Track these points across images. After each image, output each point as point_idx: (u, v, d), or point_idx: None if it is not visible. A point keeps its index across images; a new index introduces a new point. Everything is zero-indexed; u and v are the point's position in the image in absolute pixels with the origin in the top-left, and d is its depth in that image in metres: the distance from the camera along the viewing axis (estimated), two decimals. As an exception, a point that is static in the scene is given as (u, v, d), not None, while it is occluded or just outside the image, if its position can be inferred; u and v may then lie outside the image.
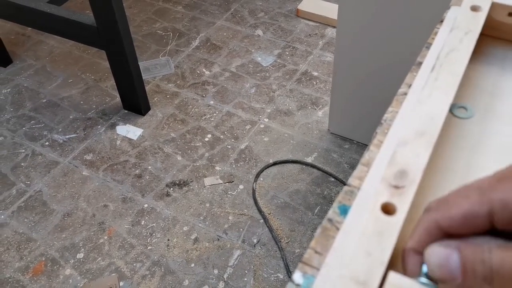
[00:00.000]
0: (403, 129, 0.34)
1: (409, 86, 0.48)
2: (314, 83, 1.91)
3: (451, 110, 0.40)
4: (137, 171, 1.61)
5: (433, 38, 0.53)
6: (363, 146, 1.67)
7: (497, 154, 0.38)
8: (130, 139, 1.71)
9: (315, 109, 1.81)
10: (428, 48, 0.52)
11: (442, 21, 0.55)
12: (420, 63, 0.50)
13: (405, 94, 0.47)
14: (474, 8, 0.42)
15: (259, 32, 2.15)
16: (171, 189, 1.55)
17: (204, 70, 1.98)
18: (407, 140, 0.33)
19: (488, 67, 0.43)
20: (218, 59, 2.03)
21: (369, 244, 0.27)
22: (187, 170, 1.61)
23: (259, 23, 2.20)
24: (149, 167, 1.62)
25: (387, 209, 0.29)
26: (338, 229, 0.34)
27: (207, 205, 1.51)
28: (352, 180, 0.42)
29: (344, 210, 0.37)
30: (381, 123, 0.45)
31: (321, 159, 1.64)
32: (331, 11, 2.15)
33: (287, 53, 2.04)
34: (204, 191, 1.55)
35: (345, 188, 0.42)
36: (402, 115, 0.41)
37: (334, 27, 2.14)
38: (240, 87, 1.90)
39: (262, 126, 1.75)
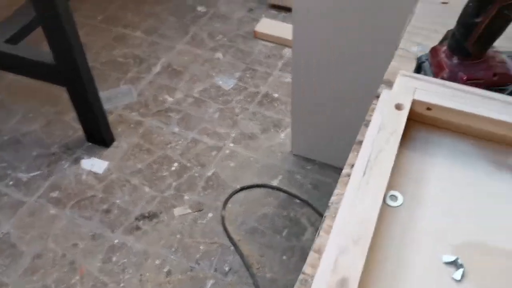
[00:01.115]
0: (343, 235, 0.39)
1: (352, 166, 0.53)
2: (276, 104, 1.96)
3: (383, 200, 0.46)
4: (105, 206, 1.62)
5: (370, 115, 0.58)
6: (325, 166, 1.73)
7: (423, 241, 0.43)
8: (95, 173, 1.72)
9: (278, 131, 1.86)
10: (366, 126, 0.57)
11: (378, 97, 0.60)
12: (360, 142, 0.55)
13: (348, 175, 0.52)
14: (398, 107, 0.48)
15: (219, 55, 2.18)
16: (141, 222, 1.57)
17: (167, 96, 2.00)
18: (346, 247, 0.38)
19: (413, 153, 0.49)
20: (180, 84, 2.05)
21: None
22: (156, 202, 1.63)
23: (219, 46, 2.23)
24: (117, 201, 1.63)
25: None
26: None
27: (178, 236, 1.53)
28: (305, 268, 0.47)
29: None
30: (328, 206, 0.50)
31: (286, 181, 1.69)
32: (288, 32, 2.20)
33: (247, 75, 2.09)
34: (174, 221, 1.57)
35: (300, 276, 0.46)
36: (347, 202, 0.46)
37: (291, 47, 2.20)
38: (203, 112, 1.93)
39: (227, 151, 1.79)
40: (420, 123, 0.50)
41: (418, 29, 0.70)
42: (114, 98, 1.98)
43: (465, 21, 0.50)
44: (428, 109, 0.49)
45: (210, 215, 1.59)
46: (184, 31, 2.32)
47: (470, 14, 0.49)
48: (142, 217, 1.59)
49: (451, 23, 0.71)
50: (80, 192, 1.66)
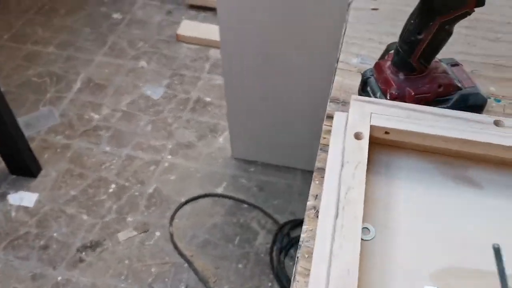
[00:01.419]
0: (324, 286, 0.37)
1: (315, 197, 0.51)
2: (209, 109, 1.92)
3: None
4: (41, 242, 1.50)
5: (325, 138, 0.57)
6: (267, 166, 1.72)
7: (401, 273, 0.42)
8: (26, 207, 1.58)
9: (215, 136, 1.82)
10: (323, 150, 0.55)
11: (329, 117, 0.59)
12: (320, 169, 0.54)
13: (314, 208, 0.50)
14: (357, 136, 0.46)
15: (142, 63, 2.09)
16: (83, 253, 1.48)
17: (92, 114, 1.88)
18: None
19: (377, 177, 0.48)
20: (105, 99, 1.94)
21: None
22: (97, 229, 1.54)
23: (141, 53, 2.14)
24: (54, 234, 1.52)
25: None
26: None
27: (126, 262, 1.46)
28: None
29: None
30: (300, 245, 0.48)
31: (231, 187, 1.66)
32: (211, 33, 2.16)
33: (175, 81, 2.02)
34: (120, 247, 1.49)
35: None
36: (321, 249, 0.44)
37: (217, 48, 2.16)
38: (135, 126, 1.85)
39: (166, 164, 1.72)
40: (380, 145, 0.50)
41: (353, 39, 0.70)
42: (35, 123, 1.83)
43: (408, 38, 0.49)
44: (386, 132, 0.48)
45: (157, 234, 1.53)
46: (102, 41, 2.20)
47: (413, 31, 0.49)
48: (84, 247, 1.49)
49: (383, 30, 0.72)
50: (12, 230, 1.52)
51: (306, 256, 0.46)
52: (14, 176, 1.67)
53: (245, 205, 1.61)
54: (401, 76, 0.53)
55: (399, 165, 0.49)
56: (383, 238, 0.45)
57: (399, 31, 0.52)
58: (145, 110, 1.90)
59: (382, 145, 0.50)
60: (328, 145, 0.55)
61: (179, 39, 2.19)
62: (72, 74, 2.04)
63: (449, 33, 0.49)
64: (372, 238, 0.44)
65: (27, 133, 1.77)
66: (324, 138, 0.57)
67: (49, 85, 1.99)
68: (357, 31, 0.71)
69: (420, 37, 0.48)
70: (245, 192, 1.65)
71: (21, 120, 1.81)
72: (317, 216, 0.49)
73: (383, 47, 0.67)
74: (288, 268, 1.45)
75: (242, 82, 1.49)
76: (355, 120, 0.48)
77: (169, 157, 1.75)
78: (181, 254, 1.48)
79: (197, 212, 1.59)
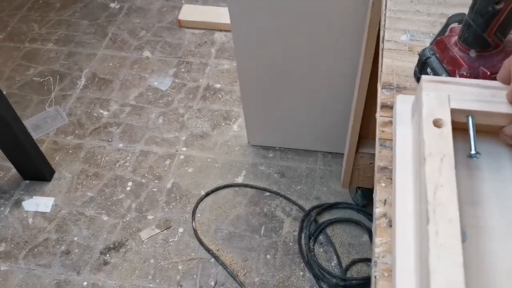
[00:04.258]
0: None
1: (384, 202, 0.45)
2: (220, 96, 1.85)
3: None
4: (62, 247, 1.46)
5: (383, 131, 0.51)
6: (286, 151, 1.66)
7: (502, 275, 0.37)
8: (43, 212, 1.54)
9: (229, 124, 1.76)
10: (383, 146, 0.49)
11: (383, 106, 0.52)
12: (384, 168, 0.47)
13: (385, 215, 0.44)
14: (437, 123, 0.40)
15: (146, 53, 2.02)
16: (107, 255, 1.43)
17: (101, 111, 1.82)
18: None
19: (458, 170, 0.42)
20: (112, 94, 1.87)
21: None
22: (118, 229, 1.49)
23: (144, 43, 2.06)
24: (75, 238, 1.47)
25: None
26: None
27: (152, 261, 1.42)
28: None
29: None
30: (375, 261, 0.42)
31: (251, 176, 1.61)
32: (214, 15, 2.08)
33: (182, 70, 1.95)
34: (144, 246, 1.45)
35: None
36: (403, 256, 0.38)
37: (221, 30, 2.08)
38: (145, 120, 1.78)
39: (182, 157, 1.67)
40: (459, 131, 0.43)
41: (397, 13, 0.63)
42: (42, 125, 1.77)
43: (483, 10, 0.43)
44: (467, 116, 0.42)
45: (180, 230, 1.49)
46: (102, 34, 2.12)
47: (489, 1, 0.42)
48: (108, 249, 1.45)
49: (429, 0, 0.64)
50: (31, 238, 1.48)
51: (386, 274, 0.40)
52: (27, 182, 1.62)
53: (268, 193, 1.56)
54: (472, 53, 0.46)
55: (483, 153, 0.43)
56: (475, 240, 0.39)
57: None
58: (154, 102, 1.84)
59: (461, 130, 0.43)
60: (389, 140, 0.49)
61: (181, 24, 2.11)
62: (75, 70, 1.97)
63: (531, 0, 0.42)
64: (464, 242, 0.39)
65: (35, 135, 1.72)
66: (383, 131, 0.50)
67: (53, 84, 1.92)
68: (399, 2, 0.64)
69: (498, 7, 0.42)
70: (266, 179, 1.60)
71: (28, 123, 1.75)
72: (390, 226, 0.43)
73: (433, 20, 0.60)
74: (318, 255, 1.41)
75: (256, 65, 1.41)
76: (431, 105, 0.41)
77: (184, 149, 1.69)
78: (207, 249, 1.43)
79: (219, 204, 1.54)
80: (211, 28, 2.10)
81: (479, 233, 0.40)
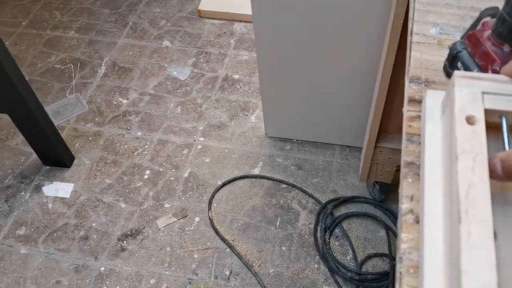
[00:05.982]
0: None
1: (411, 198, 0.45)
2: (238, 87, 1.85)
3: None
4: (81, 232, 1.48)
5: (411, 126, 0.50)
6: (303, 143, 1.66)
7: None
8: (62, 198, 1.56)
9: (247, 115, 1.76)
10: (410, 141, 0.49)
11: (411, 101, 0.52)
12: (411, 164, 0.47)
13: (411, 212, 0.44)
14: (469, 120, 0.39)
15: (166, 43, 2.03)
16: (125, 242, 1.45)
17: (120, 99, 1.84)
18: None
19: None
20: (132, 83, 1.89)
21: None
22: (136, 217, 1.51)
23: (164, 33, 2.07)
24: (93, 224, 1.50)
25: None
26: None
27: (168, 249, 1.43)
28: None
29: None
30: (400, 257, 0.42)
31: (268, 167, 1.61)
32: (234, 6, 2.07)
33: (201, 60, 1.95)
34: (160, 234, 1.47)
35: None
36: (432, 254, 0.38)
37: (241, 21, 2.08)
38: (164, 109, 1.79)
39: (199, 147, 1.68)
40: (491, 129, 0.42)
41: (426, 5, 0.62)
42: (63, 112, 1.79)
43: (521, 3, 0.42)
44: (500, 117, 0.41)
45: (197, 219, 1.50)
46: (122, 22, 2.13)
47: (527, -5, 0.41)
48: (125, 236, 1.47)
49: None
50: (50, 223, 1.51)
51: (412, 271, 0.40)
52: (47, 167, 1.64)
53: (284, 185, 1.56)
54: (506, 48, 0.45)
55: None
56: (506, 239, 0.39)
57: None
58: (173, 91, 1.85)
59: (492, 128, 0.42)
60: (416, 135, 0.49)
61: (202, 15, 2.11)
62: (96, 59, 1.98)
63: None
64: (496, 241, 0.38)
65: (56, 122, 1.74)
66: (410, 126, 0.50)
67: (74, 71, 1.94)
68: (428, -4, 0.63)
69: (536, 1, 0.41)
70: (283, 171, 1.60)
71: (49, 110, 1.78)
72: (417, 222, 0.43)
73: (463, 13, 0.59)
74: (334, 249, 1.41)
75: (276, 57, 1.41)
76: (463, 101, 0.41)
77: (202, 139, 1.70)
78: (222, 239, 1.44)
79: (235, 194, 1.55)
80: (231, 18, 2.09)
81: (508, 231, 0.39)
